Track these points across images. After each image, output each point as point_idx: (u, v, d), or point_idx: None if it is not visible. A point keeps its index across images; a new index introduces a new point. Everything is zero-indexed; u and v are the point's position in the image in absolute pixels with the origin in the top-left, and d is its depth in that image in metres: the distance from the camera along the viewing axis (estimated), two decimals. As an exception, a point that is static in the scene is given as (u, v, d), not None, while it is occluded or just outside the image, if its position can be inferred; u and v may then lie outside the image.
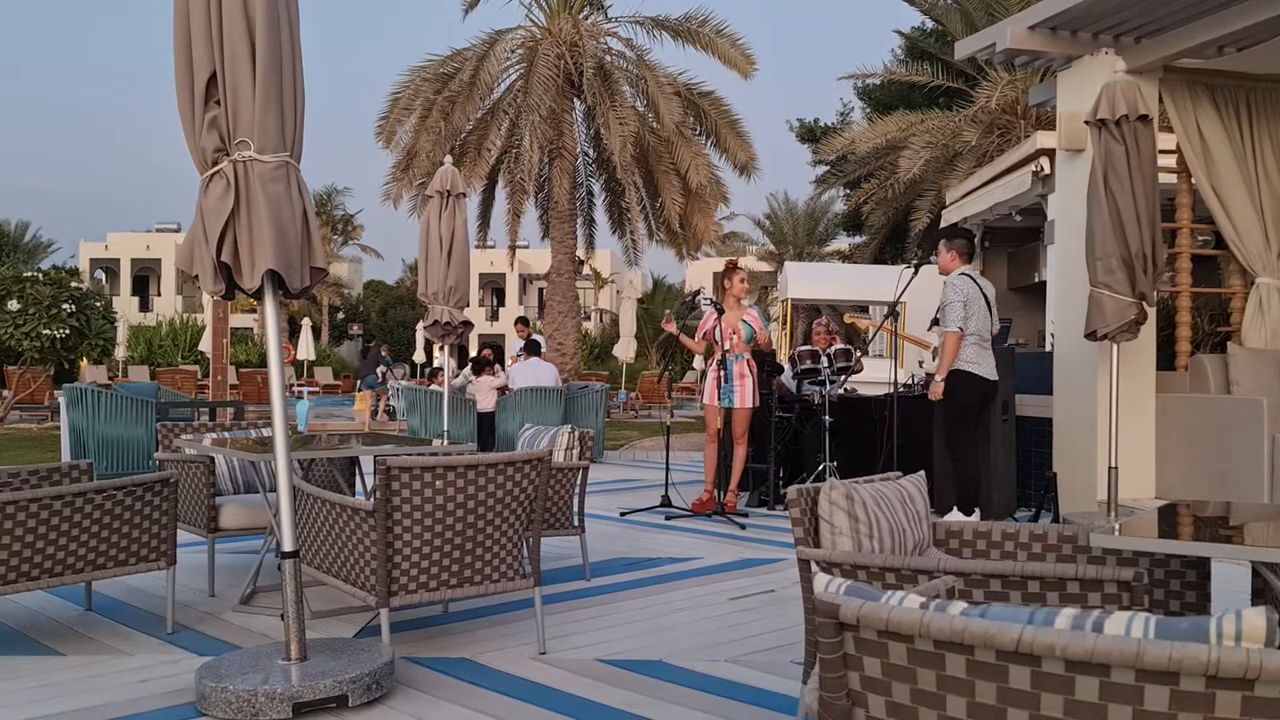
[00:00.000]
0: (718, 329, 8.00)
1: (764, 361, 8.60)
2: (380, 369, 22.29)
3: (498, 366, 12.39)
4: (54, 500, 4.01)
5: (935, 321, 7.15)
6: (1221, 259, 7.87)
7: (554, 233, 18.66)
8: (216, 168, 3.53)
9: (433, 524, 3.84)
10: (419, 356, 30.66)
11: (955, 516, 6.70)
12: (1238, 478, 6.52)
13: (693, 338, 8.37)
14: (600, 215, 20.33)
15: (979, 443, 7.07)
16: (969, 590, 2.89)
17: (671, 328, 8.10)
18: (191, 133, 3.55)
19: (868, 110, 23.85)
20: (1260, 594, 3.17)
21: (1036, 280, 13.91)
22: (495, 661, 4.02)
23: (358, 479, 5.62)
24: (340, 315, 51.33)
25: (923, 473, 3.63)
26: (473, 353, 13.71)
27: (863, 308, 15.73)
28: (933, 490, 6.90)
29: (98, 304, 17.41)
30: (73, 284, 17.10)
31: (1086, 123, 6.10)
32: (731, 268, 8.36)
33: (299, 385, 24.17)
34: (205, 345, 21.08)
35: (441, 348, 8.69)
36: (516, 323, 14.40)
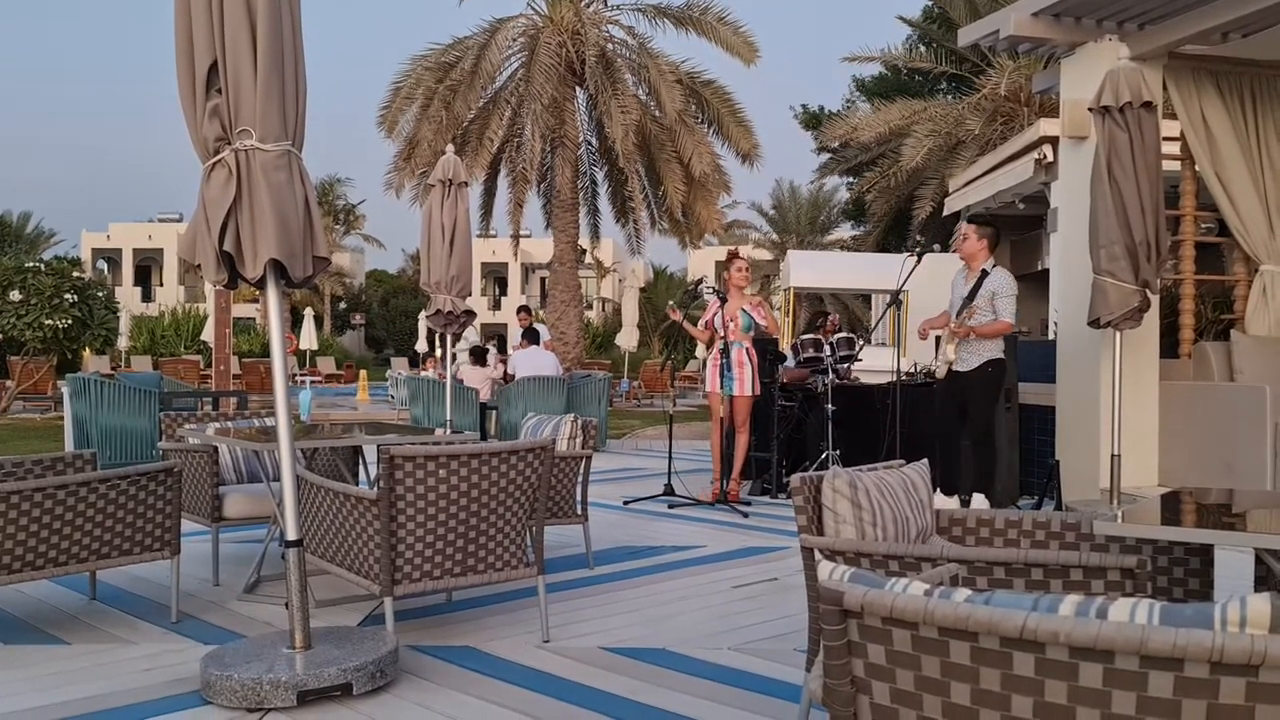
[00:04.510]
0: (719, 317, 8.03)
1: (767, 350, 8.60)
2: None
3: (494, 352, 12.32)
4: (58, 490, 4.02)
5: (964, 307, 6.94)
6: (1225, 246, 7.86)
7: (556, 222, 18.62)
8: (218, 157, 3.52)
9: (436, 513, 3.85)
10: (420, 346, 30.68)
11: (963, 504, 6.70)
12: (1241, 465, 6.52)
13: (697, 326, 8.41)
14: (603, 204, 20.30)
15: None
16: (973, 578, 2.89)
17: (677, 316, 8.11)
18: (193, 122, 3.55)
19: (871, 100, 23.80)
20: (1263, 581, 3.17)
21: (1039, 268, 13.89)
22: (499, 650, 4.04)
23: (361, 468, 5.63)
24: (343, 305, 51.40)
25: (926, 460, 3.62)
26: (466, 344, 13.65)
27: (865, 296, 15.75)
28: (955, 479, 6.86)
29: (100, 294, 17.44)
30: (75, 274, 17.14)
31: (1090, 110, 6.07)
32: (732, 257, 8.38)
33: (302, 375, 24.19)
34: (208, 335, 21.06)
35: (443, 337, 8.67)
36: (519, 311, 14.37)
